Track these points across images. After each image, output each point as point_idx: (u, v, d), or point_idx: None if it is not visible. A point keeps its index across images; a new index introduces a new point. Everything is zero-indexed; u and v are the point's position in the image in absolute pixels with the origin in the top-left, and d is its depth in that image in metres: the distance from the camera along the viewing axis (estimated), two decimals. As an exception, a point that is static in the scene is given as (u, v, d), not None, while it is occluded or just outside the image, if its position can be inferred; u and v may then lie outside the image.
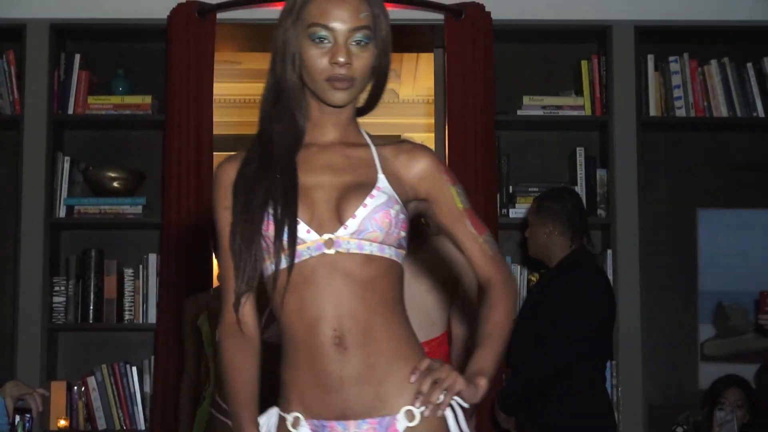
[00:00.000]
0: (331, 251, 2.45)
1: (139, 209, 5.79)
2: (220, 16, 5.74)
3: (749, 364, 5.64)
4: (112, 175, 5.83)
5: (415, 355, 2.50)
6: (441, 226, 2.63)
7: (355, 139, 2.62)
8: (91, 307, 5.77)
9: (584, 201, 5.67)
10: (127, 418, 5.74)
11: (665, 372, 5.92)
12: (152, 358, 5.69)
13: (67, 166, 5.83)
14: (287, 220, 2.45)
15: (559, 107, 5.90)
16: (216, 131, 5.86)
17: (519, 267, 5.86)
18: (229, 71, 7.52)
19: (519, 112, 5.90)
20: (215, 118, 5.82)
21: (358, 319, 2.45)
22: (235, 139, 8.07)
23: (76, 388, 5.76)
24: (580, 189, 5.82)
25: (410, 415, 2.43)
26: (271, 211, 2.47)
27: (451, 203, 2.60)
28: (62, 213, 5.80)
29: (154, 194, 5.87)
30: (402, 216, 2.51)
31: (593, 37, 5.97)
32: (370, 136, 2.64)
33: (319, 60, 2.46)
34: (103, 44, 6.03)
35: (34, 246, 5.68)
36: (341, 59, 2.43)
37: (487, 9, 5.75)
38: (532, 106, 5.89)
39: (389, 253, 2.49)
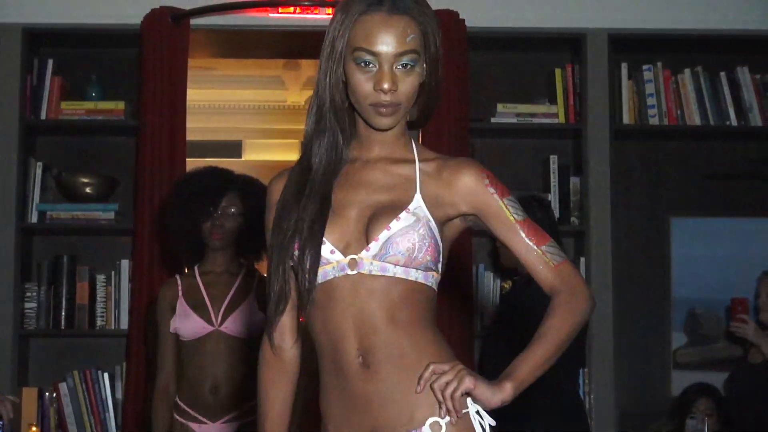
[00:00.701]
0: (354, 272, 2.46)
1: (111, 215, 5.79)
2: (194, 21, 5.75)
3: (721, 371, 5.72)
4: (85, 180, 5.84)
5: None
6: (498, 240, 2.60)
7: (401, 154, 2.61)
8: (63, 313, 5.76)
9: (557, 209, 5.77)
10: (98, 424, 5.73)
11: (637, 380, 5.98)
12: (124, 364, 5.68)
13: (39, 171, 5.83)
14: (309, 245, 2.46)
15: (532, 115, 5.93)
16: (189, 137, 5.87)
17: (492, 275, 5.87)
18: (203, 77, 7.52)
19: (493, 120, 5.93)
20: (189, 124, 5.83)
21: (381, 337, 2.45)
22: (210, 145, 8.13)
23: (47, 394, 5.74)
24: (554, 197, 5.86)
25: (436, 426, 2.42)
26: (299, 232, 2.49)
27: (502, 216, 2.55)
28: (34, 218, 5.80)
29: (126, 200, 5.90)
30: (428, 240, 2.48)
31: (567, 45, 6.02)
32: (420, 150, 2.63)
33: (364, 85, 2.45)
34: (77, 49, 6.04)
35: (5, 251, 5.67)
36: (386, 86, 2.42)
37: (461, 16, 5.78)
38: (506, 113, 5.93)
39: (415, 276, 2.48)
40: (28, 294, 5.77)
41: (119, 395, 5.75)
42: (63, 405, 5.75)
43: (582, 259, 5.78)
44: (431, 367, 2.38)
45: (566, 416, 4.81)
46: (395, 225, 2.46)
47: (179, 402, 4.31)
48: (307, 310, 2.51)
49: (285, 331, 2.62)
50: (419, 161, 2.58)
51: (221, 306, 4.30)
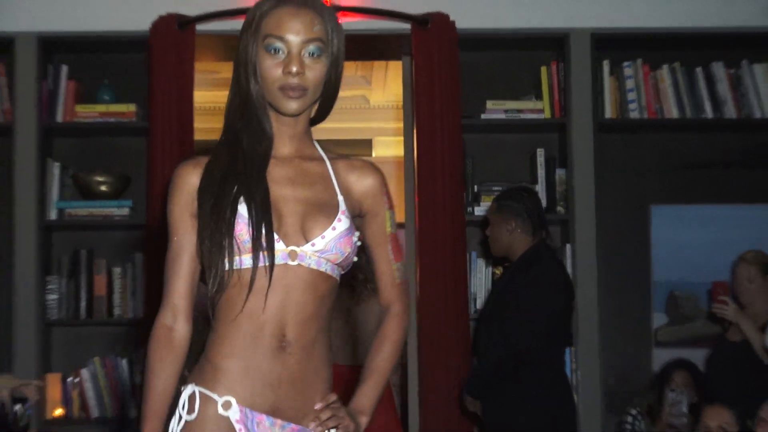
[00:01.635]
0: (294, 263, 2.54)
1: (125, 211, 6.02)
2: (199, 27, 5.93)
3: (699, 348, 5.89)
4: (100, 179, 6.04)
5: (330, 379, 2.66)
6: (366, 242, 2.73)
7: (310, 152, 2.70)
8: (83, 304, 6.00)
9: (544, 199, 5.90)
10: (118, 406, 5.97)
11: (621, 357, 6.15)
12: (141, 350, 5.55)
13: (57, 171, 6.03)
14: (264, 224, 2.51)
15: (520, 111, 6.11)
16: (197, 137, 6.01)
17: (483, 261, 6.07)
18: (208, 80, 7.65)
19: (483, 116, 6.11)
20: (196, 125, 5.99)
21: (305, 330, 2.55)
22: (216, 144, 8.36)
23: (70, 379, 5.98)
24: (541, 188, 6.05)
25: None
26: (244, 213, 2.52)
27: (382, 225, 2.72)
28: (53, 215, 6.00)
29: (139, 197, 6.06)
30: (357, 243, 2.63)
31: (552, 44, 6.17)
32: (323, 149, 2.73)
33: (273, 70, 2.54)
34: (89, 55, 6.23)
35: (27, 247, 5.87)
36: (294, 69, 2.51)
37: (451, 18, 5.95)
38: (495, 110, 6.10)
39: (337, 273, 2.61)
40: (50, 286, 5.99)
41: (137, 379, 5.87)
42: (85, 389, 5.99)
43: (568, 246, 6.02)
44: (334, 397, 2.60)
45: (554, 391, 5.05)
46: (339, 226, 2.58)
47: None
48: (233, 289, 2.54)
49: (184, 310, 2.62)
50: (328, 159, 2.70)
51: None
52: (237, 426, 2.55)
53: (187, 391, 2.59)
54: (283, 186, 2.63)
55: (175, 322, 2.62)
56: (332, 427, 2.58)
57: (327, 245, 2.57)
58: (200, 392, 2.58)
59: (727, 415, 4.11)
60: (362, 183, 2.72)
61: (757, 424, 3.89)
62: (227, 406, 2.55)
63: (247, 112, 2.62)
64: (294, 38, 2.55)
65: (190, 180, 2.63)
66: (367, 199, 2.73)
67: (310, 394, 2.61)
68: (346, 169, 2.72)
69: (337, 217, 2.61)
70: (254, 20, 2.60)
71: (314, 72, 2.56)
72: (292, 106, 2.57)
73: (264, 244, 2.51)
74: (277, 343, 2.55)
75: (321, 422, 2.56)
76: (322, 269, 2.58)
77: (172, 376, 2.61)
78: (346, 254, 2.60)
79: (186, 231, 2.61)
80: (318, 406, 2.59)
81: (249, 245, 2.53)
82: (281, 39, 2.55)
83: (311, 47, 2.55)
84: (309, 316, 2.57)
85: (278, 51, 2.55)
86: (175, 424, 2.58)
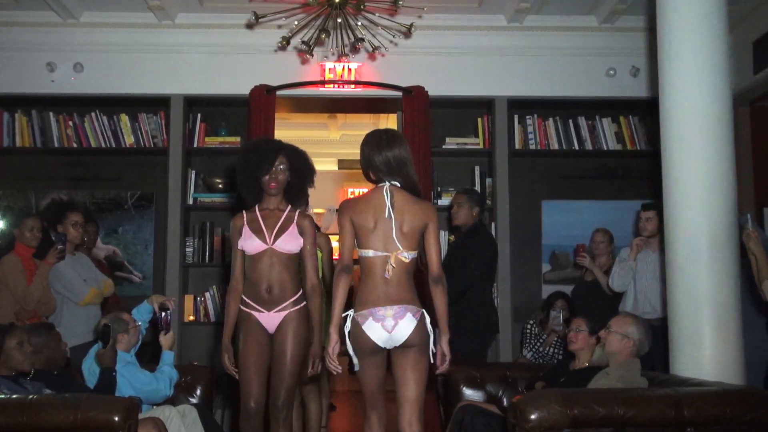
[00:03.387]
0: None
1: (233, 200, 5.85)
2: (279, 93, 5.80)
3: (569, 285, 5.74)
4: (218, 180, 5.93)
5: None
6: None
7: None
8: (207, 253, 5.87)
9: (479, 197, 5.79)
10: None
11: (523, 290, 6.05)
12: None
13: (193, 175, 5.92)
14: None
15: (465, 144, 5.98)
16: None
17: (444, 231, 5.87)
18: (283, 123, 7.47)
19: (444, 147, 5.98)
20: None
21: None
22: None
23: (198, 298, 5.86)
24: (478, 190, 5.85)
25: None
26: None
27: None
28: (191, 201, 5.90)
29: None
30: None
31: (484, 104, 6.03)
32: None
33: None
34: (213, 108, 6.08)
35: (175, 220, 5.79)
36: None
37: (425, 89, 5.81)
38: (451, 143, 5.99)
39: None
40: (188, 243, 5.88)
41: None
42: (207, 304, 5.85)
43: (493, 224, 5.82)
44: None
45: (485, 309, 4.86)
46: None
47: (245, 298, 3.59)
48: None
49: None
50: None
51: (273, 231, 3.57)
52: None
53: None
54: None
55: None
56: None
57: None
58: None
59: (582, 322, 4.01)
60: None
61: (605, 330, 3.69)
62: None
63: None
64: None
65: None
66: None
67: None
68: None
69: None
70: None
71: None
72: None
73: None
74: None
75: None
76: None
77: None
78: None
79: None
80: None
81: None
82: None
83: None
84: None
85: None
86: None
